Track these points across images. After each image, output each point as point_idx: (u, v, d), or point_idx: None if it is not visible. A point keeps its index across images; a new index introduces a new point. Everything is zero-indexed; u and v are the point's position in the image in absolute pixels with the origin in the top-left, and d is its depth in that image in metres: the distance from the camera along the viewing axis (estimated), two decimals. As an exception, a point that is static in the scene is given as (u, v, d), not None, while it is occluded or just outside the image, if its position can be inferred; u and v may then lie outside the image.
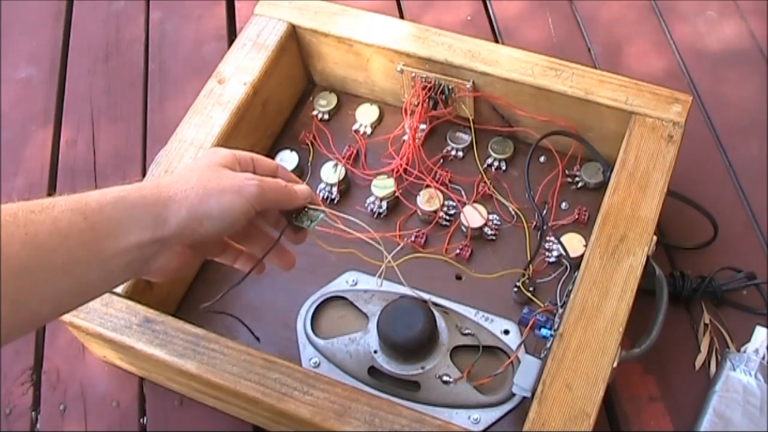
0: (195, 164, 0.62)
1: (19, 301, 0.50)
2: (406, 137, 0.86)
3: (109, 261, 0.55)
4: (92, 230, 0.53)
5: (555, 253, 0.79)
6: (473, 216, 0.81)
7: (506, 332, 0.75)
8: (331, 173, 0.85)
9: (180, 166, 0.78)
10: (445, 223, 0.82)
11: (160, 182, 0.59)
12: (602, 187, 0.77)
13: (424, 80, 0.84)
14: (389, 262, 0.65)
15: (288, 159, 0.86)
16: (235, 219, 0.59)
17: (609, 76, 0.79)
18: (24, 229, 0.50)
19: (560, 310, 0.72)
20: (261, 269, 0.68)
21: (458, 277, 0.79)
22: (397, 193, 0.83)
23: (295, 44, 0.89)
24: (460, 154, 0.87)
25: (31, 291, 0.51)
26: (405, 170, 0.84)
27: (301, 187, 0.65)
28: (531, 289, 0.77)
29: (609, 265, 0.69)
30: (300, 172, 0.87)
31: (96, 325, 0.70)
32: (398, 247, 0.75)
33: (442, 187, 0.83)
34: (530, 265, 0.78)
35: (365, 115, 0.90)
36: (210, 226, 0.58)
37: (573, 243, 0.78)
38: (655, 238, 0.71)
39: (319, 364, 0.75)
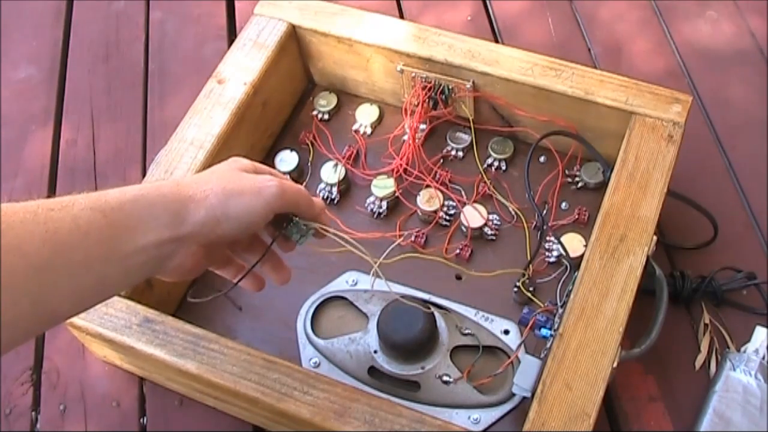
0: (215, 168, 0.63)
1: (39, 298, 0.51)
2: (406, 137, 0.86)
3: (127, 258, 0.55)
4: (111, 228, 0.54)
5: (555, 253, 0.79)
6: (473, 216, 0.81)
7: (506, 332, 0.75)
8: (331, 173, 0.85)
9: (180, 166, 0.78)
10: (445, 223, 0.82)
11: (180, 181, 0.59)
12: (602, 187, 0.77)
13: (424, 80, 0.84)
14: (377, 271, 0.65)
15: (288, 159, 0.86)
16: (253, 221, 0.60)
17: (609, 76, 0.79)
18: (44, 226, 0.50)
19: (560, 310, 0.72)
20: (261, 285, 0.68)
21: (458, 277, 0.79)
22: (397, 193, 0.83)
23: (295, 44, 0.89)
24: (460, 154, 0.87)
25: (51, 288, 0.51)
26: (405, 170, 0.84)
27: (318, 199, 0.66)
28: (531, 289, 0.77)
29: (609, 265, 0.69)
30: (300, 172, 0.87)
31: (96, 325, 0.70)
32: (392, 245, 0.75)
33: (442, 187, 0.83)
34: (530, 265, 0.78)
35: (365, 115, 0.90)
36: (227, 227, 0.59)
37: (573, 243, 0.78)
38: (655, 238, 0.71)
39: (319, 364, 0.75)
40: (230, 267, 0.67)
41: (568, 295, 0.70)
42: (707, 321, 0.78)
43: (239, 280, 0.66)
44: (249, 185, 0.60)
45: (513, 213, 0.82)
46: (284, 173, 0.86)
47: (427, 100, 0.85)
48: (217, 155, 0.79)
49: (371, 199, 0.84)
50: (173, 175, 0.77)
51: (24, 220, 0.50)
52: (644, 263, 0.69)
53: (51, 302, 0.52)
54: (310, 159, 0.88)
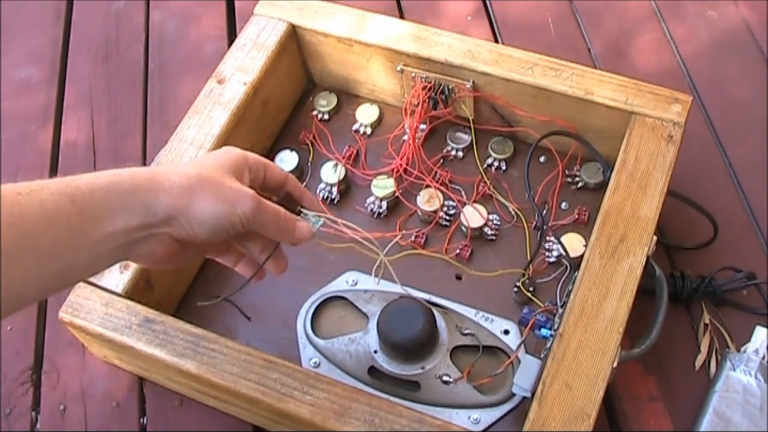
0: (203, 161, 0.61)
1: (4, 282, 0.50)
2: (406, 137, 0.86)
3: (95, 245, 0.54)
4: (80, 214, 0.53)
5: (555, 253, 0.79)
6: (473, 216, 0.81)
7: (506, 332, 0.75)
8: (331, 173, 0.85)
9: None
10: (445, 223, 0.82)
11: (156, 171, 0.57)
12: (602, 187, 0.77)
13: (424, 80, 0.84)
14: (384, 262, 0.65)
15: (288, 159, 0.86)
16: (222, 229, 0.58)
17: (609, 76, 0.79)
18: (10, 210, 0.50)
19: (560, 310, 0.72)
20: (260, 276, 0.67)
21: (458, 277, 0.79)
22: (397, 193, 0.83)
23: (295, 44, 0.89)
24: (460, 154, 0.87)
25: (16, 273, 0.51)
26: (405, 170, 0.84)
27: (302, 226, 0.63)
28: (531, 289, 0.77)
29: (609, 265, 0.69)
30: (300, 172, 0.87)
31: (96, 325, 0.70)
32: (391, 243, 0.75)
33: (442, 187, 0.83)
34: (530, 265, 0.78)
35: (365, 115, 0.90)
36: (198, 230, 0.58)
37: (573, 243, 0.78)
38: (655, 238, 0.71)
39: (319, 364, 0.75)
40: (229, 255, 0.66)
41: (568, 295, 0.70)
42: (707, 321, 0.78)
43: (244, 285, 0.66)
44: (225, 194, 0.58)
45: (513, 213, 0.82)
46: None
47: (427, 100, 0.85)
48: (217, 155, 0.79)
49: (371, 199, 0.84)
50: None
51: None
52: (644, 263, 0.69)
53: (15, 287, 0.51)
54: (310, 159, 0.88)
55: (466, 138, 0.87)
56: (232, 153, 0.62)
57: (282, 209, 0.62)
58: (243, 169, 0.61)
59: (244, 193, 0.59)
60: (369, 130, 0.90)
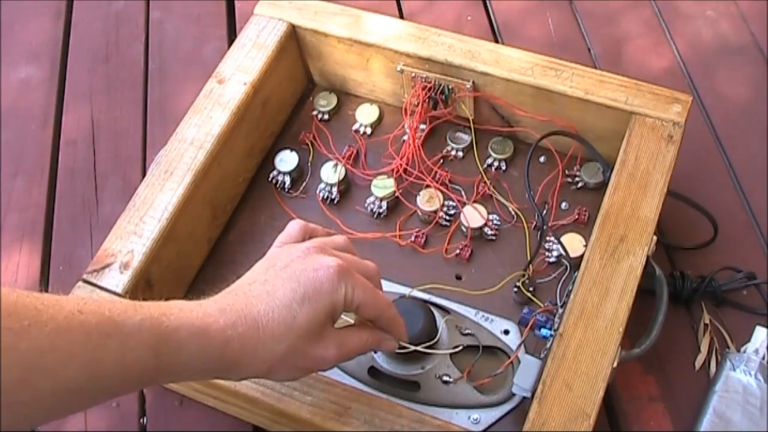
0: (296, 320, 0.56)
1: (54, 413, 0.51)
2: (406, 137, 0.86)
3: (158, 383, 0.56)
4: (158, 368, 0.53)
5: (555, 253, 0.79)
6: (473, 216, 0.81)
7: (506, 332, 0.75)
8: (331, 173, 0.85)
9: (180, 166, 0.78)
10: (445, 223, 0.82)
11: (245, 344, 0.55)
12: (602, 187, 0.77)
13: (424, 80, 0.84)
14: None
15: (288, 159, 0.86)
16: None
17: (609, 76, 0.79)
18: (92, 354, 0.49)
19: (560, 310, 0.72)
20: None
21: (458, 277, 0.79)
22: (397, 193, 0.83)
23: (295, 44, 0.89)
24: (460, 154, 0.87)
25: (70, 406, 0.51)
26: (405, 170, 0.84)
27: (389, 344, 0.63)
28: (531, 289, 0.77)
29: (609, 265, 0.69)
30: (300, 172, 0.87)
31: (96, 325, 0.70)
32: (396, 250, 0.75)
33: (442, 187, 0.83)
34: (530, 265, 0.78)
35: (365, 115, 0.90)
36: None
37: (573, 243, 0.78)
38: (655, 238, 0.71)
39: (319, 364, 0.75)
40: None
41: (568, 295, 0.70)
42: (707, 321, 0.78)
43: None
44: (304, 365, 0.58)
45: (513, 213, 0.82)
46: (284, 173, 0.86)
47: (427, 100, 0.85)
48: (217, 155, 0.79)
49: (371, 199, 0.84)
50: (172, 176, 0.77)
51: (73, 342, 0.48)
52: (644, 263, 0.69)
53: (62, 415, 0.52)
54: (310, 159, 0.88)
55: (466, 138, 0.87)
56: (322, 309, 0.57)
57: (366, 338, 0.62)
58: (335, 316, 0.59)
59: (325, 360, 0.59)
60: (369, 130, 0.90)
